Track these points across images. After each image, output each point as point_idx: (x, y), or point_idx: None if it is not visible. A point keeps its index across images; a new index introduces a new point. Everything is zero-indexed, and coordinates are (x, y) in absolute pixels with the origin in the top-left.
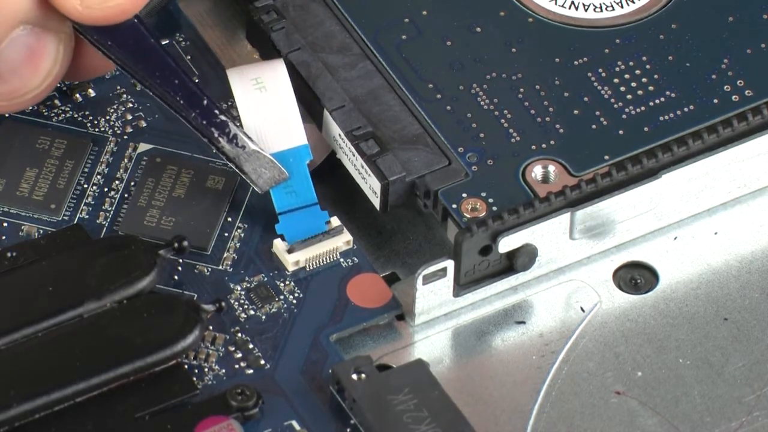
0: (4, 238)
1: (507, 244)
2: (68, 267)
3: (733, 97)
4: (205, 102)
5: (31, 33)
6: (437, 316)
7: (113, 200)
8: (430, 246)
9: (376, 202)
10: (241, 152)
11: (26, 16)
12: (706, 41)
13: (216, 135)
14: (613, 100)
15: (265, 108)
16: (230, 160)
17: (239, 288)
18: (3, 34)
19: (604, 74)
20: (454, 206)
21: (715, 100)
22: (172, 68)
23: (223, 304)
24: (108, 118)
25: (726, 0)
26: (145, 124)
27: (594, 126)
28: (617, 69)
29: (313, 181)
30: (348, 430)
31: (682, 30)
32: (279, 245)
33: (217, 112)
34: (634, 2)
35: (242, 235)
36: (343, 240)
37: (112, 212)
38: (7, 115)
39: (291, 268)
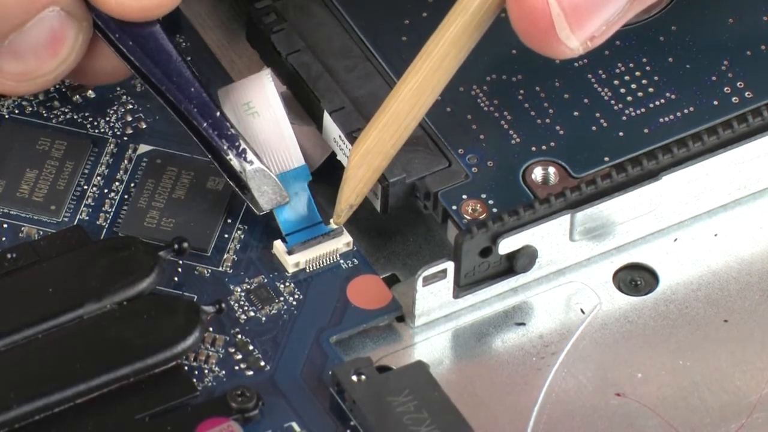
0: (4, 239)
1: (507, 245)
2: (68, 268)
3: (733, 98)
4: (218, 113)
5: (57, 16)
6: (437, 317)
7: (113, 201)
8: (430, 247)
9: (377, 203)
10: (248, 167)
11: None
12: (706, 43)
13: (225, 147)
14: (613, 102)
15: (261, 134)
16: (233, 175)
17: (239, 289)
18: (35, 11)
19: (604, 76)
20: (454, 208)
21: (715, 102)
22: (190, 76)
23: (223, 305)
24: (108, 119)
25: (726, 2)
26: (145, 126)
27: (594, 127)
28: (617, 71)
29: (313, 183)
30: (348, 431)
31: (682, 32)
32: (279, 247)
33: (228, 125)
34: None
35: (242, 236)
36: (343, 241)
37: (112, 213)
38: (7, 116)
39: (291, 269)
